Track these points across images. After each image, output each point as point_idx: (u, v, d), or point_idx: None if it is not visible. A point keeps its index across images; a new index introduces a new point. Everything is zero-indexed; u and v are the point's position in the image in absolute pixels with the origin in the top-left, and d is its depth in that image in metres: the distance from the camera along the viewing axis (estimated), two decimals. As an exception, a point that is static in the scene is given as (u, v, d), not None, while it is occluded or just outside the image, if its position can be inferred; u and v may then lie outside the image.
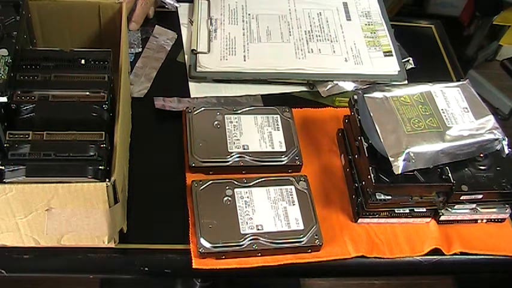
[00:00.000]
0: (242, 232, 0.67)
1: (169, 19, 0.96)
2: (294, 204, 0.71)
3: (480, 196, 0.71)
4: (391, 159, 0.66)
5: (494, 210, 0.73)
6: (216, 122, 0.78)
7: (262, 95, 0.86)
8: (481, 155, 0.71)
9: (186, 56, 0.91)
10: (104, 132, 0.61)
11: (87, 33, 0.77)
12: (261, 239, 0.67)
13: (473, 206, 0.72)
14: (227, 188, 0.71)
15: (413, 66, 0.94)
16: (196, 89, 0.86)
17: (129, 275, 0.69)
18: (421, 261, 0.71)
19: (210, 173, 0.75)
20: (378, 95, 0.72)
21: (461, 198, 0.70)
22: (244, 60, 0.89)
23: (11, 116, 0.61)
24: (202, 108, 0.79)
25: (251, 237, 0.67)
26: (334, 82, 0.88)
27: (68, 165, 0.58)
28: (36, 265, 0.66)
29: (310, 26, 0.96)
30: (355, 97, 0.75)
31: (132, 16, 0.90)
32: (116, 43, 0.69)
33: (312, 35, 0.94)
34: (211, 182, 0.72)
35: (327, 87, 0.88)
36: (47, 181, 0.56)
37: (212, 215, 0.68)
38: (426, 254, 0.71)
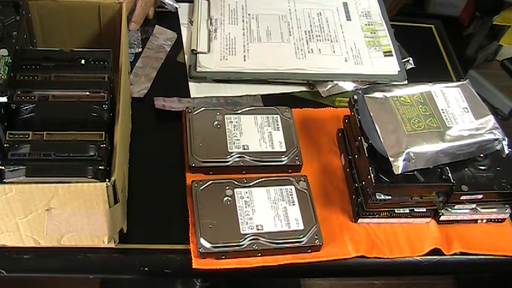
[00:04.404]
0: (242, 232, 0.67)
1: (169, 19, 0.96)
2: (294, 204, 0.71)
3: (480, 196, 0.71)
4: (391, 159, 0.66)
5: (494, 210, 0.73)
6: (216, 122, 0.78)
7: (262, 95, 0.86)
8: (481, 155, 0.71)
9: (186, 56, 0.90)
10: (104, 132, 0.60)
11: (87, 33, 0.77)
12: (261, 239, 0.67)
13: (473, 206, 0.72)
14: (227, 188, 0.71)
15: (413, 66, 0.94)
16: (196, 89, 0.86)
17: (129, 275, 0.69)
18: (421, 261, 0.71)
19: (210, 173, 0.75)
20: (378, 95, 0.72)
21: (461, 198, 0.70)
22: (244, 60, 0.89)
23: (11, 116, 0.61)
24: (202, 108, 0.79)
25: (251, 237, 0.67)
26: (334, 82, 0.88)
27: (68, 165, 0.58)
28: (36, 265, 0.66)
29: (310, 26, 0.96)
30: (355, 97, 0.75)
31: (132, 16, 0.90)
32: (116, 43, 0.69)
33: (312, 35, 0.94)
34: (211, 182, 0.72)
35: (327, 87, 0.88)
36: (47, 181, 0.56)
37: (212, 215, 0.68)
38: (426, 254, 0.71)
